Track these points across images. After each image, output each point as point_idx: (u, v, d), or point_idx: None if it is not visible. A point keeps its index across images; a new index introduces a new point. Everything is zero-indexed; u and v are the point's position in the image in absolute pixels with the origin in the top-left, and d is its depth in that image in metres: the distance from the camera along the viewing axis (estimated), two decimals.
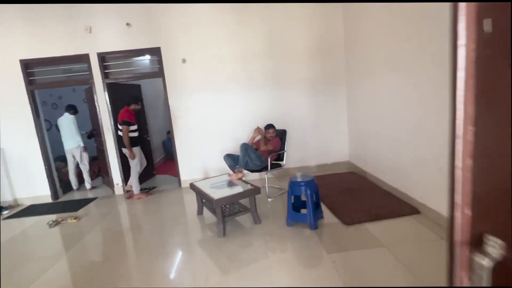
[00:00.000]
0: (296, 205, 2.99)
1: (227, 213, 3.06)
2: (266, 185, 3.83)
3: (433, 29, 2.48)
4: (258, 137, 3.96)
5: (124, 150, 4.13)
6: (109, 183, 4.69)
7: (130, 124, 4.03)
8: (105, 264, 2.58)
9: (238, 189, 3.08)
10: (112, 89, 4.51)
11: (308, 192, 2.78)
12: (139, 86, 5.34)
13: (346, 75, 4.48)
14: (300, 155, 4.67)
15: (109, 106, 4.43)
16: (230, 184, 3.29)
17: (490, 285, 0.54)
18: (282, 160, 3.90)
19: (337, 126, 4.66)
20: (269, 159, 3.68)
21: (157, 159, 6.62)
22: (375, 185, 3.69)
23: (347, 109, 4.59)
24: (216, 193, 2.95)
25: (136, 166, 4.16)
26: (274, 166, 3.78)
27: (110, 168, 4.56)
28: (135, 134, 4.13)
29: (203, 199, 3.32)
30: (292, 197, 2.89)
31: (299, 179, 2.86)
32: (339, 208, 3.12)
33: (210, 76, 4.41)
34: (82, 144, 4.90)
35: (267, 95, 4.51)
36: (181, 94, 4.43)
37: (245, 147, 3.56)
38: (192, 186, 3.38)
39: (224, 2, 4.19)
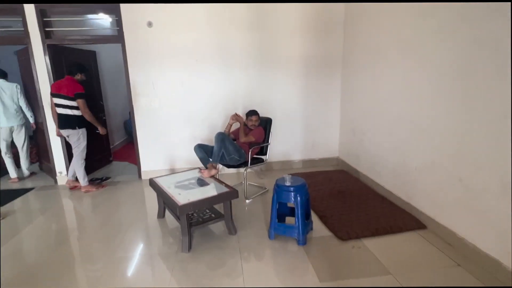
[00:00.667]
0: (281, 212, 2.43)
1: (194, 220, 2.43)
2: (244, 183, 3.21)
3: (466, 5, 1.92)
4: (236, 125, 3.31)
5: (66, 132, 3.28)
6: (50, 171, 3.83)
7: (85, 96, 3.23)
8: (26, 284, 1.88)
9: (211, 191, 2.45)
10: (57, 53, 3.56)
11: (299, 199, 2.22)
12: (94, 52, 4.38)
13: (344, 58, 3.88)
14: (283, 148, 4.08)
15: (52, 74, 3.51)
16: (201, 183, 2.65)
17: None
18: (265, 154, 3.30)
19: (328, 116, 4.09)
20: (249, 152, 3.06)
21: (116, 143, 5.72)
22: (370, 189, 3.23)
23: (341, 97, 4.03)
24: (182, 196, 2.30)
25: (82, 152, 3.35)
26: (255, 161, 3.18)
27: (51, 153, 3.69)
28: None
29: (165, 201, 2.65)
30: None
31: (287, 183, 2.29)
32: (331, 217, 2.61)
33: (182, 46, 3.60)
34: (33, 120, 3.95)
35: (249, 75, 3.80)
36: (145, 65, 3.60)
37: (221, 137, 2.89)
38: (152, 184, 2.68)
39: None
